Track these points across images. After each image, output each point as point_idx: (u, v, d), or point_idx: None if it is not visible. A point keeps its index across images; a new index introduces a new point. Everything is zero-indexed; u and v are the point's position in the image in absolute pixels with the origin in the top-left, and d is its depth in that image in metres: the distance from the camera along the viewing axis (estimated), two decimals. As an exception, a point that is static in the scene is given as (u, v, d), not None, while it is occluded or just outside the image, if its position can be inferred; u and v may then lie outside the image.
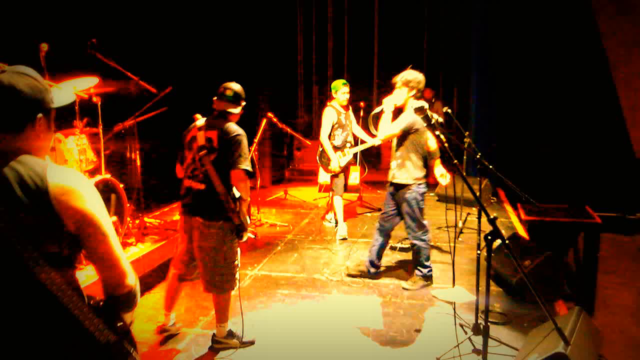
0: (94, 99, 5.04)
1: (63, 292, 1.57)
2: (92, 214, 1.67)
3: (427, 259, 5.00)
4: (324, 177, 9.16)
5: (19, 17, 5.82)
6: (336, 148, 6.64)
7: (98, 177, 4.96)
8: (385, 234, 5.13)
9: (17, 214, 1.55)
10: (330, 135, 6.63)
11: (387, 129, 4.81)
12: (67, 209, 1.62)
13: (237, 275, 3.87)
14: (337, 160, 6.60)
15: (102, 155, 5.21)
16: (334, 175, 6.74)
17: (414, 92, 4.74)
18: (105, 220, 1.71)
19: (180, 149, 3.87)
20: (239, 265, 3.87)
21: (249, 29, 10.10)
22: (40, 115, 1.70)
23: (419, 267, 5.03)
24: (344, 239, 6.59)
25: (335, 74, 11.44)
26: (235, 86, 3.82)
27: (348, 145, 6.75)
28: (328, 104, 6.77)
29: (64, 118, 5.16)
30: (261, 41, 10.37)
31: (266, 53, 10.52)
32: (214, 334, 3.96)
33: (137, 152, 5.96)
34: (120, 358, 1.65)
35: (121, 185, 5.17)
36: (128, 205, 5.29)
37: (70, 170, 1.71)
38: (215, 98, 3.79)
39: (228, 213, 3.62)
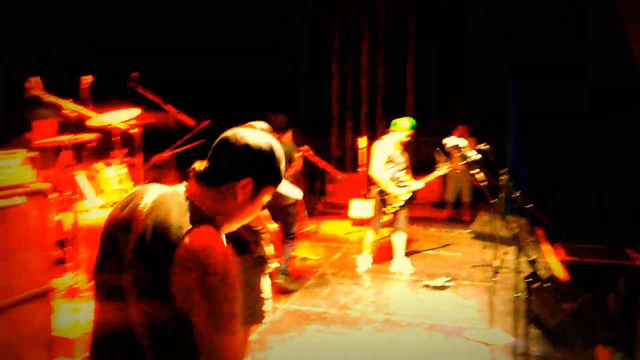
0: (134, 130, 5.15)
1: None
2: None
3: None
4: (357, 211, 9.15)
5: (65, 50, 6.06)
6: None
7: (135, 207, 5.02)
8: None
9: None
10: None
11: None
12: None
13: (267, 308, 3.82)
14: (398, 192, 6.42)
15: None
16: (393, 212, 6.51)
17: None
18: None
19: None
20: (268, 296, 3.83)
21: (285, 62, 10.28)
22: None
23: None
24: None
25: (370, 110, 11.49)
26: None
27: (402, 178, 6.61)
28: (384, 137, 6.64)
29: (105, 148, 5.29)
30: (297, 76, 10.53)
31: (301, 88, 10.68)
32: None
33: (175, 182, 6.03)
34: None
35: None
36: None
37: None
38: None
39: (249, 246, 3.62)
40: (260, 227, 3.66)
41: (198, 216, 1.62)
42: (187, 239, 1.53)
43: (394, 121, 6.57)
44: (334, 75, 11.61)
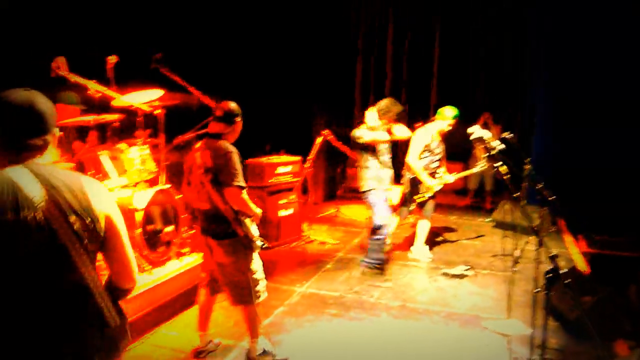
0: (157, 111, 5.19)
1: (95, 284, 1.94)
2: (117, 219, 2.04)
3: None
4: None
5: (89, 30, 6.09)
6: None
7: (157, 187, 5.08)
8: None
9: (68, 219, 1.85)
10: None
11: None
12: (104, 214, 1.96)
13: (259, 288, 3.85)
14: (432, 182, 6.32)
15: (162, 166, 5.35)
16: (421, 203, 6.45)
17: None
18: (122, 223, 2.07)
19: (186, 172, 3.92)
20: (261, 277, 3.87)
21: (310, 49, 10.21)
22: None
23: None
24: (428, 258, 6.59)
25: (393, 95, 11.38)
26: (227, 105, 3.84)
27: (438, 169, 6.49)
28: (425, 126, 6.47)
29: (128, 129, 5.33)
30: (321, 62, 10.46)
31: (325, 73, 10.60)
32: (247, 350, 3.96)
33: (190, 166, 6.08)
34: (123, 336, 2.09)
35: (178, 196, 5.28)
36: (184, 215, 5.39)
37: (92, 179, 2.03)
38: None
39: (232, 228, 3.65)
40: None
41: None
42: None
43: (439, 110, 6.42)
44: (358, 59, 11.50)
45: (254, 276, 3.81)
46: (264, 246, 3.79)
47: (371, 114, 5.88)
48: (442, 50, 10.91)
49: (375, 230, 5.87)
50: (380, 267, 6.00)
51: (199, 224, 3.90)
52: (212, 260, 3.85)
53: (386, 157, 6.01)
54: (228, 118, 3.81)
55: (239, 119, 3.86)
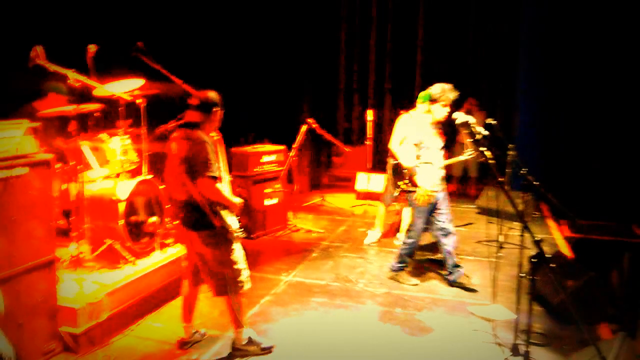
0: (138, 100, 5.11)
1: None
2: None
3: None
4: (362, 185, 9.12)
5: (69, 19, 5.97)
6: None
7: (139, 178, 5.02)
8: None
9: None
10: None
11: None
12: None
13: (242, 278, 3.83)
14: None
15: (144, 156, 5.28)
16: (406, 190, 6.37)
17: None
18: None
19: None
20: (243, 267, 3.85)
21: (291, 35, 10.14)
22: None
23: None
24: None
25: (377, 81, 11.35)
26: (204, 94, 3.79)
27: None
28: (409, 112, 6.35)
29: (110, 118, 5.26)
30: (303, 48, 10.39)
31: (307, 60, 10.54)
32: (233, 341, 3.94)
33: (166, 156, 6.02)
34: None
35: (161, 187, 5.22)
36: (167, 206, 5.33)
37: None
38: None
39: (210, 220, 3.63)
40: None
41: None
42: None
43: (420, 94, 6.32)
44: (341, 45, 11.43)
45: (236, 267, 3.78)
46: (242, 236, 3.77)
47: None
48: (426, 33, 10.85)
49: (410, 234, 5.37)
50: (404, 267, 5.52)
51: (176, 214, 3.85)
52: (193, 251, 3.82)
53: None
54: (205, 107, 3.76)
55: (216, 109, 3.79)
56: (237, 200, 3.77)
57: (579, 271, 4.68)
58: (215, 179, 3.60)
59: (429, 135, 5.15)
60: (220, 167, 3.73)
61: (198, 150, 3.58)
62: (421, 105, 6.08)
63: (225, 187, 3.75)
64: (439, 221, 5.21)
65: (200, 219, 3.65)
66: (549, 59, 8.64)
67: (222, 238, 3.70)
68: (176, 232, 3.91)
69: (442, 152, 5.34)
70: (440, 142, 5.26)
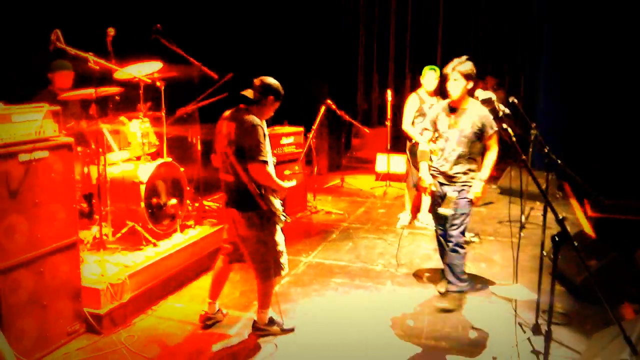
0: (158, 83, 5.12)
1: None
2: None
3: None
4: (381, 166, 9.07)
5: (89, 3, 5.99)
6: None
7: (159, 160, 5.05)
8: None
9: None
10: (412, 123, 6.21)
11: None
12: None
13: (283, 261, 3.85)
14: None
15: (164, 138, 5.31)
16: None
17: (471, 84, 4.30)
18: None
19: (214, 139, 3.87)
20: (284, 250, 3.86)
21: (310, 16, 10.06)
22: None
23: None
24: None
25: (397, 61, 11.24)
26: (265, 80, 3.73)
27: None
28: (416, 91, 6.36)
29: (129, 101, 5.28)
30: (322, 28, 10.31)
31: (327, 40, 10.45)
32: (254, 320, 3.97)
33: (198, 136, 6.05)
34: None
35: (181, 169, 5.25)
36: (188, 188, 5.37)
37: None
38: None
39: (257, 201, 3.61)
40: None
41: None
42: None
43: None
44: (361, 26, 11.32)
45: (278, 248, 3.80)
46: (288, 220, 3.77)
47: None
48: (446, 11, 10.68)
49: (462, 243, 4.55)
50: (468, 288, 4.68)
51: (223, 194, 3.85)
52: (235, 233, 3.82)
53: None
54: (262, 89, 3.70)
55: (272, 98, 3.73)
56: (287, 184, 3.76)
57: (603, 251, 4.62)
58: (266, 163, 3.58)
59: (440, 119, 4.47)
60: (268, 150, 3.70)
61: (250, 134, 3.55)
62: (426, 80, 6.03)
63: (273, 169, 3.73)
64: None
65: (247, 200, 3.64)
66: (573, 34, 8.45)
67: (267, 220, 3.70)
68: (221, 211, 3.90)
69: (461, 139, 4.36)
70: (461, 129, 4.33)
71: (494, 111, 3.10)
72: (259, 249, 3.74)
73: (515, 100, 4.85)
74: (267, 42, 9.25)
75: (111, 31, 4.64)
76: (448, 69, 4.31)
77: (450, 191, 4.39)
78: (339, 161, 10.59)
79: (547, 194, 3.11)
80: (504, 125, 3.11)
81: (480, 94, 4.16)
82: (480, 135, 4.30)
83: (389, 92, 8.35)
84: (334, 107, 7.26)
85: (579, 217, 6.87)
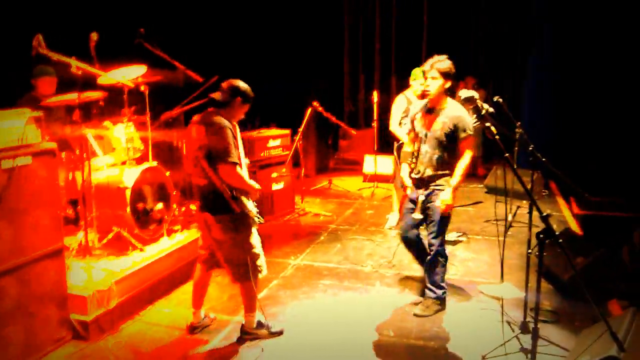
0: (142, 87, 5.09)
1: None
2: None
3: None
4: (369, 167, 9.08)
5: (71, 7, 5.95)
6: None
7: (145, 165, 5.02)
8: None
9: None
10: (399, 124, 6.16)
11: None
12: None
13: (260, 263, 3.83)
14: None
15: (149, 143, 5.27)
16: None
17: (449, 83, 4.16)
18: None
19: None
20: (260, 252, 3.85)
21: (295, 19, 10.06)
22: None
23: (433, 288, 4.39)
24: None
25: (383, 63, 11.26)
26: (233, 82, 3.73)
27: None
28: (403, 92, 6.34)
29: (113, 106, 5.24)
30: (307, 31, 10.31)
31: (312, 43, 10.45)
32: (242, 324, 3.95)
33: (183, 140, 6.02)
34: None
35: (167, 173, 5.22)
36: (174, 192, 5.34)
37: None
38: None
39: (229, 204, 3.60)
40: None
41: None
42: None
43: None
44: (345, 28, 11.33)
45: (254, 251, 3.78)
46: (261, 222, 3.76)
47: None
48: (430, 15, 10.74)
49: (443, 252, 4.34)
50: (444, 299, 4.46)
51: (197, 199, 3.83)
52: (210, 237, 3.81)
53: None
54: (229, 91, 3.69)
55: (240, 99, 3.72)
56: (257, 185, 3.75)
57: (589, 248, 4.65)
58: (236, 164, 3.57)
59: (417, 119, 4.32)
60: (240, 152, 3.69)
61: (218, 136, 3.54)
62: (414, 82, 6.07)
63: (244, 171, 3.72)
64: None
65: (220, 204, 3.62)
66: (562, 31, 8.50)
67: (241, 223, 3.68)
68: (195, 216, 3.88)
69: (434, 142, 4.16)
70: (433, 130, 4.15)
71: (476, 109, 3.10)
72: (234, 252, 3.72)
73: (500, 100, 4.88)
74: (253, 45, 9.23)
75: (94, 36, 4.61)
76: (426, 66, 4.16)
77: (420, 195, 4.23)
78: (326, 163, 10.59)
79: (533, 192, 3.13)
80: (487, 124, 3.11)
81: (463, 92, 4.10)
82: (452, 137, 4.11)
83: (375, 93, 8.37)
84: (320, 109, 7.25)
85: (566, 215, 6.92)
